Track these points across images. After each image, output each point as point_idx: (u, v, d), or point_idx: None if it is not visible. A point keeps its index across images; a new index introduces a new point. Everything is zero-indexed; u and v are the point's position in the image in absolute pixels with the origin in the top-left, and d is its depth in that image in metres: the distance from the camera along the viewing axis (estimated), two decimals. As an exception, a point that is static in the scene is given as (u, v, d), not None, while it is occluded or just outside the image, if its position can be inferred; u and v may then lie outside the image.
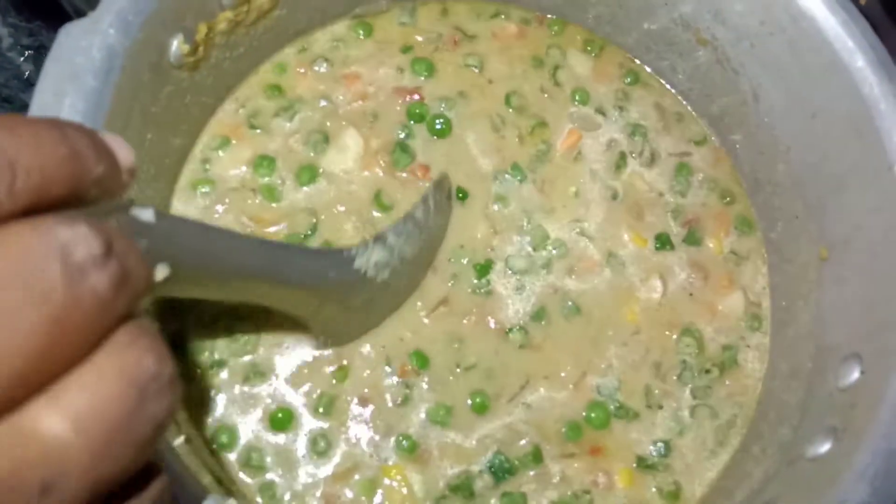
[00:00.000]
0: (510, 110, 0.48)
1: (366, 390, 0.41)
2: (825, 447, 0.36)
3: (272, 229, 0.44)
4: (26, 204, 0.16)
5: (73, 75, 0.33)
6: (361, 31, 0.49)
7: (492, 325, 0.43)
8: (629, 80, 0.50)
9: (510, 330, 0.43)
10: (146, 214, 0.20)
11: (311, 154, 0.45)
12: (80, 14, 0.47)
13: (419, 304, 0.43)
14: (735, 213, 0.48)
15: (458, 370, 0.42)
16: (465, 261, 0.44)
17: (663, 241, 0.46)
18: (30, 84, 0.67)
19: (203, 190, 0.44)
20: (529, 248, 0.45)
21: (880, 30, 0.41)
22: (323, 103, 0.47)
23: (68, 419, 0.15)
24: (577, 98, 0.49)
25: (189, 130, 0.44)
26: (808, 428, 0.38)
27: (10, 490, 0.15)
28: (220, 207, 0.44)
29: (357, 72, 0.48)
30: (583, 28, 0.51)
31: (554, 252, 0.45)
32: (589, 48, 0.51)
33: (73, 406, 0.15)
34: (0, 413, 0.15)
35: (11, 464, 0.15)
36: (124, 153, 0.18)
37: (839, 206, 0.41)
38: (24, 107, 0.68)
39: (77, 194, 0.17)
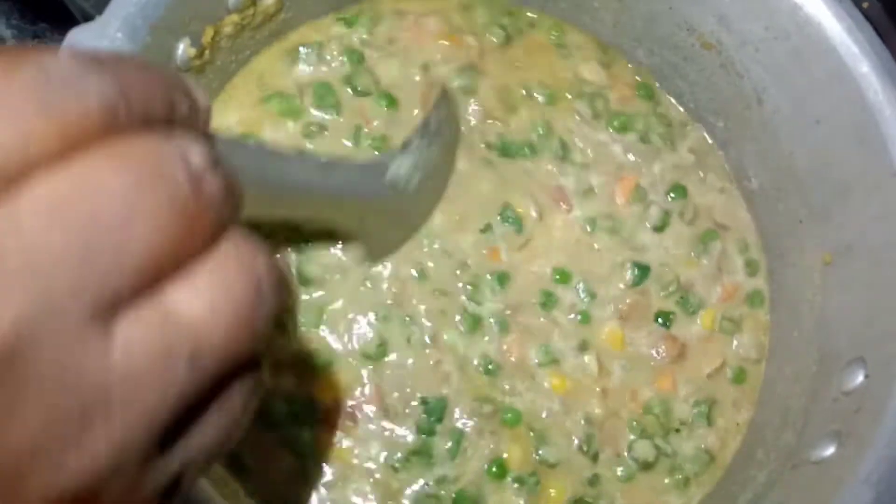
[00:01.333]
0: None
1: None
2: (829, 451, 0.36)
3: None
4: (141, 118, 0.18)
5: (82, 80, 0.33)
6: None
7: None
8: (641, 92, 0.49)
9: None
10: (218, 141, 0.22)
11: None
12: (86, 17, 0.47)
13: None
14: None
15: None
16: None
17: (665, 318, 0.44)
18: (32, 85, 0.67)
19: None
20: None
21: (883, 34, 0.41)
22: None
23: (205, 300, 0.17)
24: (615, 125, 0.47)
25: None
26: (812, 432, 0.38)
27: (164, 366, 0.16)
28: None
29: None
30: (585, 32, 0.50)
31: None
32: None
33: (208, 290, 0.17)
34: (141, 290, 0.16)
35: (163, 340, 0.16)
36: (202, 95, 0.20)
37: (843, 212, 0.41)
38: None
39: (170, 121, 0.19)
